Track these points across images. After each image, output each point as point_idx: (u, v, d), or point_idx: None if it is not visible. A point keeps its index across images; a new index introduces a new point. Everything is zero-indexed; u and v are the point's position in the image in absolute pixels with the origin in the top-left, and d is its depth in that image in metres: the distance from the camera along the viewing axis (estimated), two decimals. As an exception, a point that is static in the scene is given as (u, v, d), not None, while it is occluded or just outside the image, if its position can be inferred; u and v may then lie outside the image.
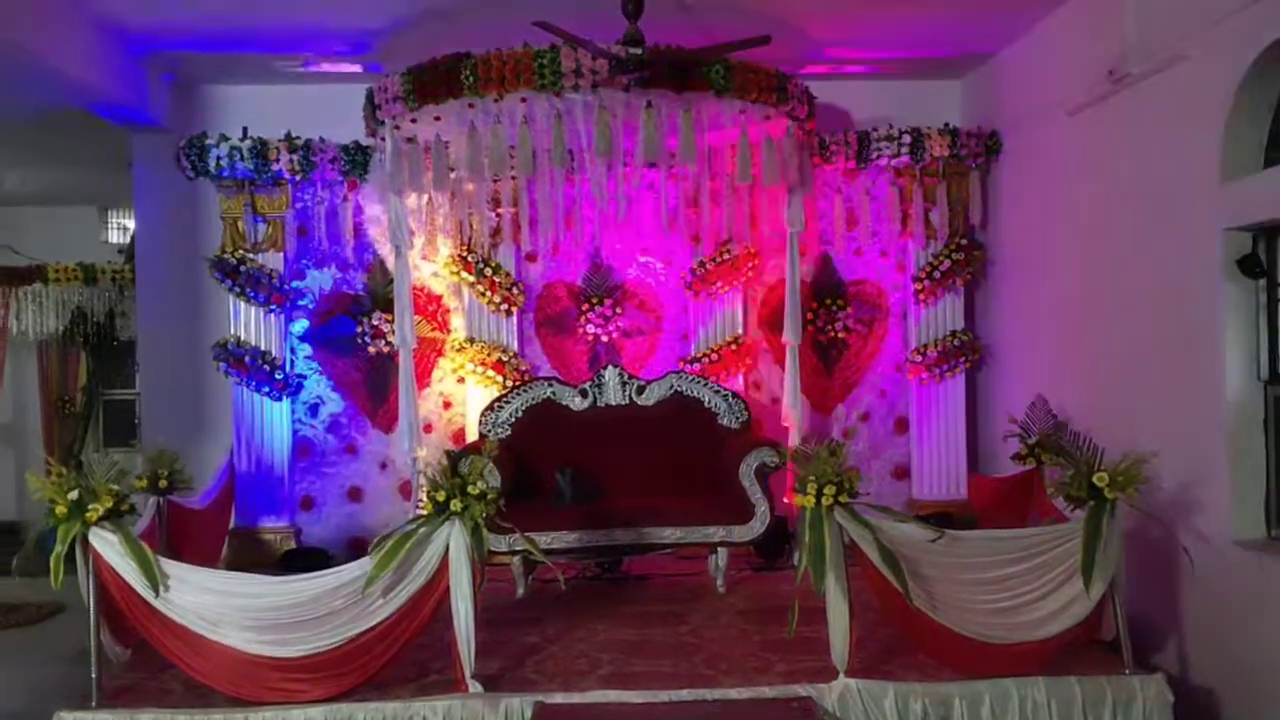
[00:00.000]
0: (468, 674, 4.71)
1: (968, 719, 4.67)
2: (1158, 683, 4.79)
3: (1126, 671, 4.84)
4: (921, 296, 7.88)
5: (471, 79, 5.75)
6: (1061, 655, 4.87)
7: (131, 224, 10.12)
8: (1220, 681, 5.13)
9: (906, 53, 7.73)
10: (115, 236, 11.34)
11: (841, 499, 4.63)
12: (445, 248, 7.70)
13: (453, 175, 6.59)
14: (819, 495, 4.60)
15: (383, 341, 7.77)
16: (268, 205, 7.59)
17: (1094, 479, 4.80)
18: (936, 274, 7.82)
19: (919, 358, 7.89)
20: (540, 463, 6.68)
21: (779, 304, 7.52)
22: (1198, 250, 5.25)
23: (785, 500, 6.22)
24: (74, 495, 4.60)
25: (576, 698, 4.71)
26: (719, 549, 6.46)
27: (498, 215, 7.47)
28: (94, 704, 4.66)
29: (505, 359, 7.68)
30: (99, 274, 10.18)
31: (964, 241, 7.87)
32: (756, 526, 6.34)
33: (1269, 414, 5.07)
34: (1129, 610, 4.99)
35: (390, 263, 7.59)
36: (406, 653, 4.79)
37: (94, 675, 4.70)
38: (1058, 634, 4.85)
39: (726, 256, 7.74)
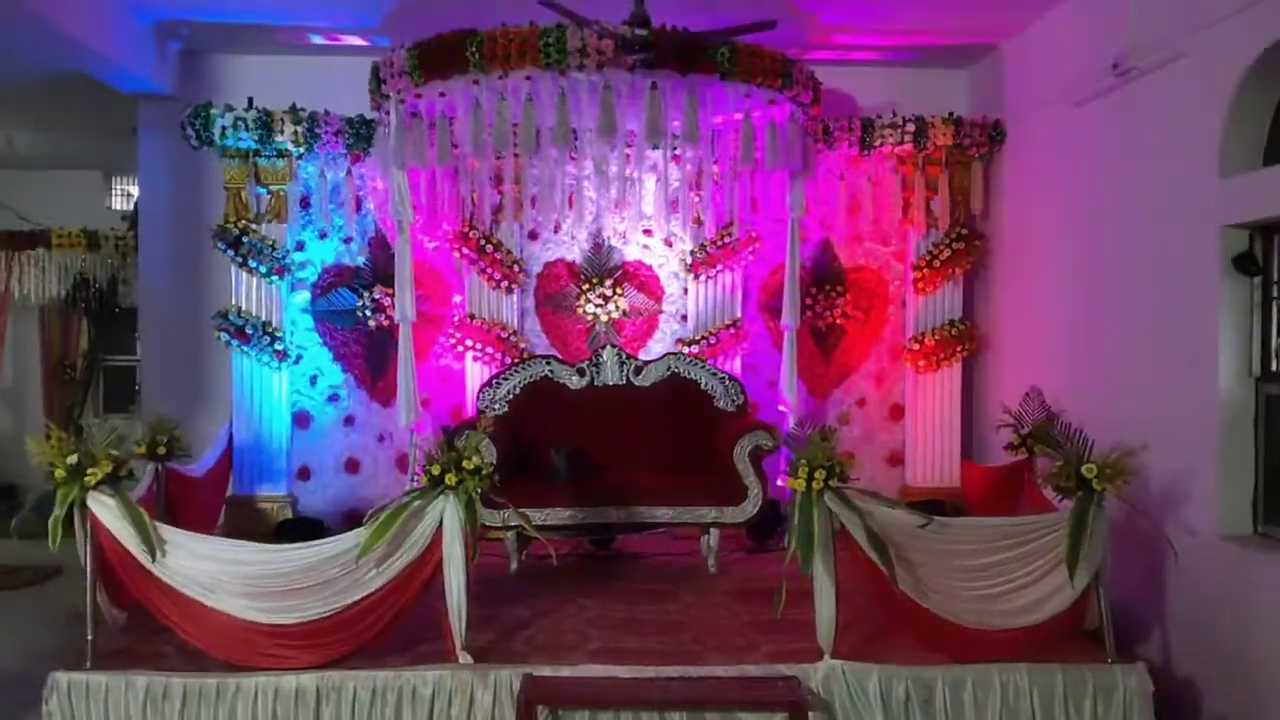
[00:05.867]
0: (458, 645, 4.78)
1: (950, 703, 4.73)
2: (1139, 672, 4.83)
3: (1108, 661, 4.88)
4: (921, 285, 7.90)
5: (477, 56, 5.75)
6: (1045, 643, 4.90)
7: (136, 191, 10.12)
8: (1201, 674, 5.18)
9: (913, 40, 7.74)
10: (119, 203, 11.31)
11: (832, 483, 4.67)
12: (447, 223, 7.72)
13: (456, 151, 6.60)
14: (809, 479, 4.64)
15: (383, 315, 7.81)
16: (271, 176, 7.59)
17: (1082, 470, 4.84)
18: (936, 263, 7.84)
19: (916, 346, 7.93)
20: (537, 440, 6.72)
21: (778, 288, 7.53)
22: (1195, 246, 5.27)
23: (779, 483, 6.26)
24: (73, 459, 4.64)
25: (564, 671, 4.76)
26: (711, 530, 6.50)
27: (500, 192, 7.48)
28: (89, 665, 4.71)
29: (505, 336, 7.72)
30: (102, 240, 10.16)
31: (965, 231, 7.89)
32: (749, 508, 6.37)
33: (1259, 411, 5.10)
34: (1113, 601, 5.03)
35: (392, 237, 7.60)
36: (398, 623, 4.83)
37: (90, 637, 4.76)
38: (1042, 622, 4.89)
39: (728, 240, 7.76)
